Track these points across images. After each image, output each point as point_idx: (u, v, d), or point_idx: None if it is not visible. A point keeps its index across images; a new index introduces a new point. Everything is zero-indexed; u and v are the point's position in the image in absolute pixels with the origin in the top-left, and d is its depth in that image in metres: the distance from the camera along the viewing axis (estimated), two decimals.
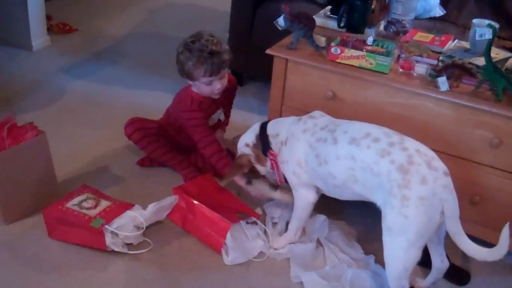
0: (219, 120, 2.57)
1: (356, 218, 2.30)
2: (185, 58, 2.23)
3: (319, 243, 2.18)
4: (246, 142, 2.19)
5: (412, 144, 1.78)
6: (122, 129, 2.43)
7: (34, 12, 3.48)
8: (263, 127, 2.15)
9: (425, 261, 1.97)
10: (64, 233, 2.05)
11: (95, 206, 2.07)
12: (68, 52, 3.63)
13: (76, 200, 2.10)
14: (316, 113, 2.07)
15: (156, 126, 2.49)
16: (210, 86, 2.29)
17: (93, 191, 2.20)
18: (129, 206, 2.12)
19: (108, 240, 2.00)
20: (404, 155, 1.73)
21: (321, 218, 2.23)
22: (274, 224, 2.26)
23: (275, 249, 2.13)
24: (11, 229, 2.13)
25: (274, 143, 2.10)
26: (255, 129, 2.18)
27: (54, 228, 2.06)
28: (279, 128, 2.10)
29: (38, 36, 3.60)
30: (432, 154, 1.77)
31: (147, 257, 2.07)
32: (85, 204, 2.08)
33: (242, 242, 2.11)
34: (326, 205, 2.22)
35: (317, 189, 2.06)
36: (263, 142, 2.13)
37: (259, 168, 2.19)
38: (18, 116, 2.17)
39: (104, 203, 2.11)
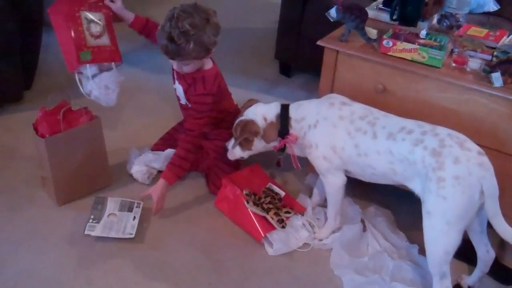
0: (186, 104, 2.38)
1: (402, 208, 2.29)
2: (163, 20, 2.15)
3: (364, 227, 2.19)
4: (264, 116, 2.14)
5: (443, 130, 1.82)
6: (171, 115, 2.41)
7: None
8: (285, 108, 2.12)
9: (470, 258, 1.96)
10: None
11: None
12: (120, 40, 3.67)
13: None
14: (337, 97, 2.06)
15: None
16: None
17: None
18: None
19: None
20: (436, 140, 1.78)
21: (371, 208, 2.28)
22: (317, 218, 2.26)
23: (320, 240, 2.14)
24: (63, 210, 2.21)
25: (297, 127, 2.08)
26: (276, 107, 2.14)
27: None
28: (304, 111, 2.08)
29: None
30: (464, 137, 1.79)
31: (194, 242, 2.12)
32: None
33: (287, 233, 2.13)
34: (372, 194, 2.22)
35: (345, 171, 2.05)
36: (283, 124, 2.10)
37: (257, 143, 2.15)
38: (72, 101, 2.24)
39: None
